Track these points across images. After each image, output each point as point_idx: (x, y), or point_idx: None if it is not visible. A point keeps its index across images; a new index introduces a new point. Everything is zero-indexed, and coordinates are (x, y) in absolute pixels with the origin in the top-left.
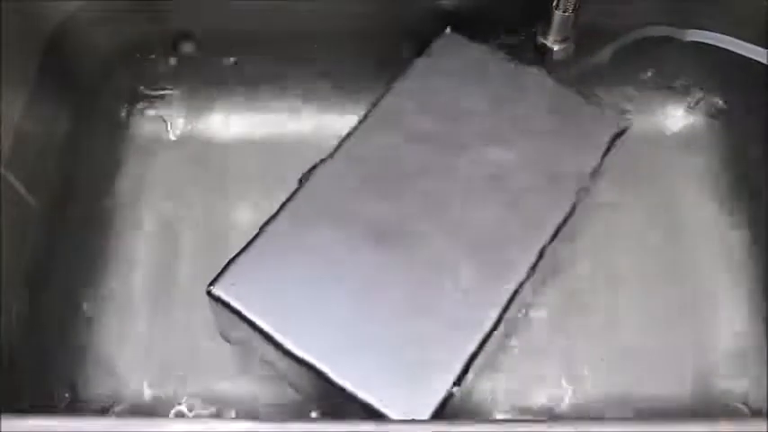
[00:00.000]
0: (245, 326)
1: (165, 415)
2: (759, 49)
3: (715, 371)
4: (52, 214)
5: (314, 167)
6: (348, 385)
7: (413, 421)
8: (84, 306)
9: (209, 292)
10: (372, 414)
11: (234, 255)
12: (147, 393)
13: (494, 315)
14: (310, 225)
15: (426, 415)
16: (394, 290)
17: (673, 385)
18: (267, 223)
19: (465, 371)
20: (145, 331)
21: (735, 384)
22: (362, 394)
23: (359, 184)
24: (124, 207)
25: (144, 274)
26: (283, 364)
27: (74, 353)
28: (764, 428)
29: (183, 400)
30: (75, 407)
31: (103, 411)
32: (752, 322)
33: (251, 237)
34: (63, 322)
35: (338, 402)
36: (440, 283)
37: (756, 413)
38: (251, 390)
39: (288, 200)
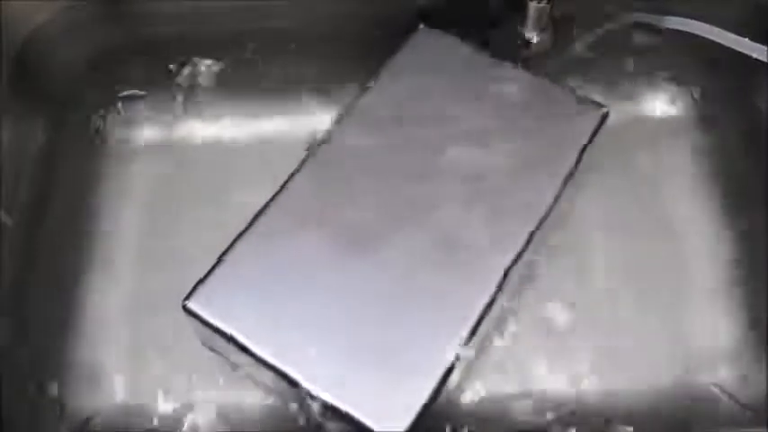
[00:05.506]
0: (222, 339)
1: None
2: (737, 37)
3: (697, 363)
4: (29, 229)
5: (292, 174)
6: (326, 396)
7: None
8: (66, 318)
9: (184, 307)
10: (351, 423)
11: (209, 268)
12: (129, 403)
13: (473, 319)
14: (285, 234)
15: (406, 422)
16: (372, 297)
17: (653, 377)
18: (241, 234)
19: (446, 376)
20: (127, 341)
21: (715, 376)
22: (341, 404)
23: (334, 190)
24: (102, 217)
25: (125, 285)
26: (263, 375)
27: (55, 363)
28: None
29: (168, 410)
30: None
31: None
32: (734, 314)
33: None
34: (45, 334)
35: (320, 411)
36: (419, 288)
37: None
38: (235, 399)
39: (262, 208)
